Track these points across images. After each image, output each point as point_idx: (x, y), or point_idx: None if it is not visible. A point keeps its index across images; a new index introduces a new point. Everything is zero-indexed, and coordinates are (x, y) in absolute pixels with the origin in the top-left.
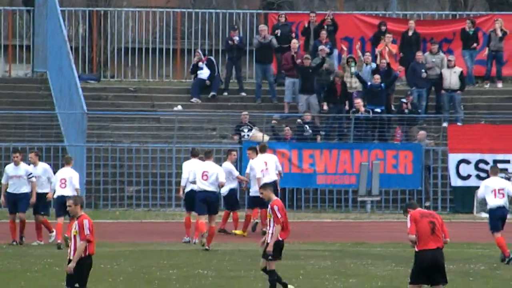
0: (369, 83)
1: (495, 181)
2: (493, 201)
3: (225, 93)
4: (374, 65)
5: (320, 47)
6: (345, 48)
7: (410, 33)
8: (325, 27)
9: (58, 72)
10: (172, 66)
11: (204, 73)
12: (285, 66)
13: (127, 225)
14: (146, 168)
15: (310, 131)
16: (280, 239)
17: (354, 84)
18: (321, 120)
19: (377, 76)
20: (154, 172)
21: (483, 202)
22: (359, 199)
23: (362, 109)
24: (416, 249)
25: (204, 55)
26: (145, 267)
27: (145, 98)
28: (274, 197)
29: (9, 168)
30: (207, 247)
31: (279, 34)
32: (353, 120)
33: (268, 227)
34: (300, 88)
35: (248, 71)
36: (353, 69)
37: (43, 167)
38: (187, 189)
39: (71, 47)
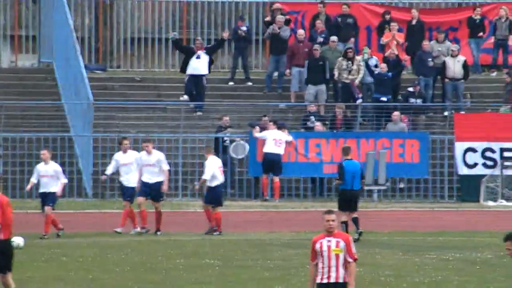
0: (376, 72)
1: None
2: None
3: (231, 83)
4: (375, 60)
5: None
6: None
7: (413, 22)
8: (338, 18)
9: (65, 62)
10: (178, 56)
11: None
12: (291, 56)
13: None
14: None
15: (315, 122)
16: None
17: (351, 76)
18: (326, 110)
19: (383, 65)
20: None
21: (489, 190)
22: (366, 188)
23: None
24: None
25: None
26: (152, 257)
27: (151, 88)
28: None
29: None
30: None
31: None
32: (359, 110)
33: None
34: (307, 79)
35: (254, 60)
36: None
37: (53, 168)
38: None
39: (77, 37)
